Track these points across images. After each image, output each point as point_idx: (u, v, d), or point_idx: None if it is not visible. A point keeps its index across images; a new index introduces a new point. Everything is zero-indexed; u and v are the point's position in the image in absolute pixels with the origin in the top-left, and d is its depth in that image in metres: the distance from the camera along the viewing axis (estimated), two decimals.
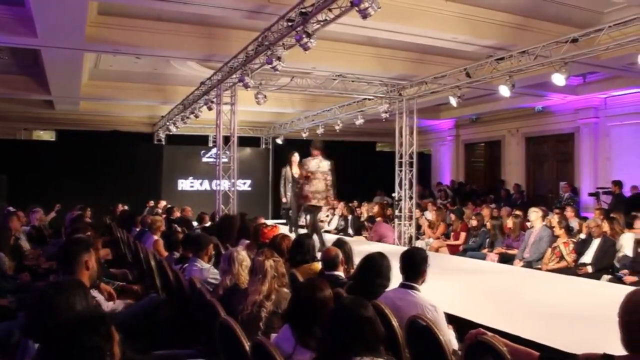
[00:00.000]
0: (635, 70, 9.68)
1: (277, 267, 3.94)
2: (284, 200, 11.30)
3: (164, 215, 11.78)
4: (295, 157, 10.93)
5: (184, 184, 18.85)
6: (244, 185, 18.79)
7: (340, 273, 4.77)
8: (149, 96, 15.49)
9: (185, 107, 14.22)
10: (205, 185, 18.72)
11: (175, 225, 10.33)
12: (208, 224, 11.17)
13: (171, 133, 17.48)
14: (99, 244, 6.83)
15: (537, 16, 9.69)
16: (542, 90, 13.26)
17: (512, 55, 9.41)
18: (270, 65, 8.63)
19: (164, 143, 19.13)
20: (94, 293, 4.59)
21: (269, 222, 14.67)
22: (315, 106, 16.42)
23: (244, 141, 17.02)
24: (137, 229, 9.76)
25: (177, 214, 12.77)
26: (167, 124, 16.86)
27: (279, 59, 8.48)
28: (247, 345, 3.09)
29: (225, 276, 4.46)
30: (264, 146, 20.83)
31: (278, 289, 3.87)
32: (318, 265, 5.28)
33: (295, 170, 10.67)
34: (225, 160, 11.87)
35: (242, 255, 4.51)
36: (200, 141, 19.31)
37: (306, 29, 7.36)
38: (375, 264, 4.28)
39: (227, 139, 11.74)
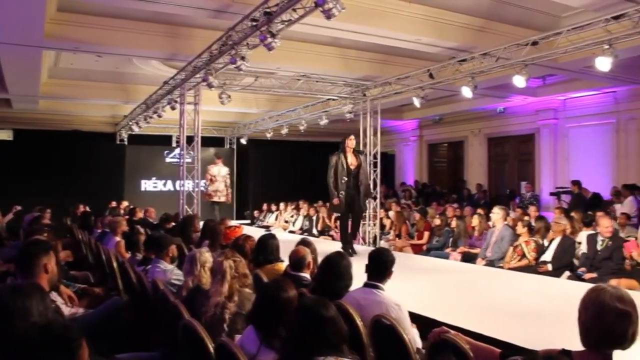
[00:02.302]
0: (592, 73, 9.92)
1: (238, 268, 3.90)
2: (335, 201, 8.95)
3: (127, 216, 11.61)
4: (352, 142, 9.33)
5: (147, 185, 18.63)
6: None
7: (305, 274, 4.76)
8: (111, 95, 15.23)
9: (148, 106, 14.04)
10: (169, 186, 18.55)
11: (138, 227, 10.18)
12: (172, 224, 11.03)
13: (134, 133, 17.22)
14: (59, 246, 6.69)
15: (499, 19, 9.86)
16: (503, 91, 13.49)
17: (474, 57, 9.55)
18: (234, 65, 8.61)
19: (126, 143, 18.88)
20: (54, 296, 4.49)
21: (233, 222, 14.70)
22: (279, 106, 16.40)
23: (207, 141, 16.90)
24: (99, 231, 9.60)
25: (140, 214, 12.60)
26: (130, 123, 16.65)
27: (243, 58, 8.45)
28: (210, 347, 3.07)
29: (188, 277, 4.42)
30: (228, 146, 20.73)
31: (240, 290, 3.83)
32: (282, 266, 5.27)
33: (351, 160, 9.09)
34: (189, 160, 11.76)
35: (205, 257, 4.47)
36: (164, 141, 19.12)
37: (270, 29, 7.35)
38: (334, 265, 4.26)
39: (190, 139, 11.63)
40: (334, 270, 4.22)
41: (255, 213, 18.30)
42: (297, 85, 12.37)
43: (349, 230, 9.39)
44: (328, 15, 6.34)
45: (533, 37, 8.58)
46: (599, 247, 7.77)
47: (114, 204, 15.02)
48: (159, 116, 13.63)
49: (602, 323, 2.35)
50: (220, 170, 13.45)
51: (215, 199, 13.05)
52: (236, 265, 3.89)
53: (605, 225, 7.86)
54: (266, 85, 12.26)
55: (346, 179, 8.90)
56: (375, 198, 11.88)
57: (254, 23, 7.67)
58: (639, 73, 12.07)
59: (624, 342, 2.35)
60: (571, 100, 14.79)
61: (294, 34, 9.32)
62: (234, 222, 15.10)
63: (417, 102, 11.37)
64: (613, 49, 7.56)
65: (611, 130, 14.02)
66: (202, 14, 8.70)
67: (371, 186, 9.16)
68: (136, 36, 10.05)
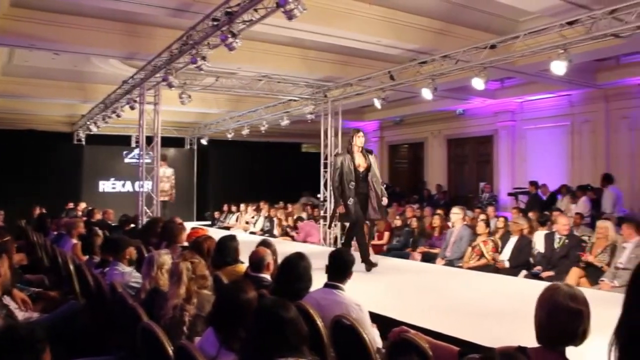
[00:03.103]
0: (548, 76, 10.13)
1: (196, 269, 3.86)
2: (340, 209, 7.76)
3: (85, 218, 11.39)
4: (361, 139, 7.92)
5: (106, 185, 18.27)
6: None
7: (265, 275, 4.74)
8: (68, 94, 14.89)
9: (106, 106, 13.80)
10: (128, 187, 18.24)
11: (96, 228, 10.00)
12: (131, 226, 10.87)
13: (92, 133, 16.88)
14: (13, 249, 6.52)
15: (458, 22, 10.00)
16: (462, 93, 13.69)
17: (434, 59, 9.66)
18: (194, 65, 8.53)
19: (84, 143, 18.47)
20: (6, 301, 4.39)
21: (194, 224, 14.61)
22: (240, 107, 16.30)
23: (167, 141, 16.71)
24: (55, 233, 9.39)
25: (98, 216, 12.39)
26: (88, 123, 16.33)
27: (203, 58, 8.39)
28: (170, 350, 3.03)
29: (146, 280, 4.37)
30: (188, 147, 20.52)
31: (199, 292, 3.79)
32: (243, 267, 5.24)
33: (360, 161, 7.82)
34: (149, 161, 11.60)
35: (164, 258, 4.42)
36: (123, 141, 18.77)
37: (231, 29, 7.32)
38: (293, 267, 4.23)
39: (150, 139, 11.47)
40: (293, 272, 4.20)
41: (216, 214, 18.16)
42: (258, 86, 12.34)
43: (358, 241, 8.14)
44: (289, 15, 6.35)
45: (491, 40, 8.72)
46: (556, 246, 7.98)
47: (71, 205, 14.74)
48: (118, 116, 13.42)
49: (555, 321, 2.44)
50: (165, 172, 14.07)
51: (161, 198, 13.25)
52: (194, 266, 3.85)
53: (562, 223, 8.09)
54: (227, 86, 12.21)
55: (355, 183, 7.69)
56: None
57: (215, 23, 7.63)
58: (593, 77, 12.44)
59: (576, 339, 2.44)
60: (528, 102, 15.11)
61: (255, 34, 9.28)
62: (194, 224, 15.07)
63: (377, 104, 11.44)
64: (567, 54, 7.75)
65: (566, 132, 14.36)
66: (162, 12, 8.61)
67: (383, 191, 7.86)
68: (95, 34, 9.86)
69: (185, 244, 7.00)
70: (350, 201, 7.63)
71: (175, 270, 3.82)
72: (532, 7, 8.85)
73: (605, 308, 2.42)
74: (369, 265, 7.72)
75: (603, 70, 12.35)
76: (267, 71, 11.96)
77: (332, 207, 8.13)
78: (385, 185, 20.26)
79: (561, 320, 2.43)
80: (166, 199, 13.93)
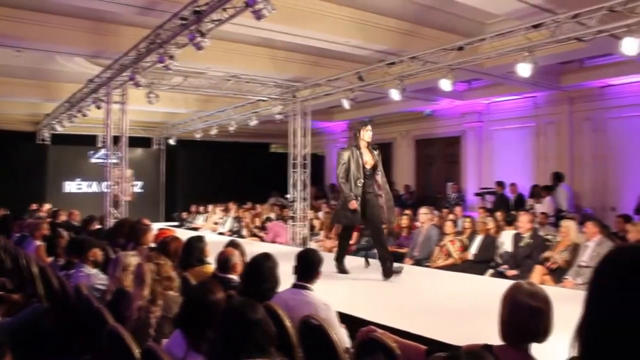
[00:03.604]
0: (514, 78, 10.28)
1: (161, 270, 3.83)
2: (352, 204, 7.11)
3: (49, 219, 11.18)
4: (369, 132, 7.42)
5: (71, 186, 17.96)
6: (134, 187, 18.18)
7: (233, 276, 4.72)
8: (32, 93, 14.58)
9: (72, 105, 13.57)
10: (94, 187, 17.96)
11: (60, 230, 9.82)
12: (97, 227, 10.70)
13: (57, 132, 16.60)
14: None
15: (426, 24, 10.08)
16: (430, 94, 13.81)
17: (403, 61, 9.72)
18: (162, 64, 8.44)
19: (49, 143, 18.12)
20: None
21: (162, 225, 14.45)
22: (209, 107, 16.18)
23: (135, 141, 16.45)
24: (18, 234, 9.19)
25: (63, 217, 12.17)
26: (52, 122, 16.03)
27: (171, 57, 8.32)
28: (136, 352, 3.00)
29: (112, 281, 4.31)
30: (156, 147, 20.29)
31: (164, 293, 3.76)
32: (211, 268, 5.21)
33: (368, 157, 7.33)
34: (115, 161, 11.44)
35: (129, 260, 4.37)
36: (89, 141, 18.41)
37: (200, 28, 7.27)
38: (258, 267, 4.22)
39: (117, 139, 11.31)
40: (259, 272, 4.19)
41: (184, 215, 18.02)
42: (227, 86, 12.27)
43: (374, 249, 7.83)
44: (258, 15, 6.34)
45: (459, 42, 8.81)
46: (521, 245, 8.11)
47: (34, 206, 14.45)
48: (84, 115, 13.22)
49: (516, 319, 2.51)
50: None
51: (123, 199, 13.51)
52: (159, 268, 3.82)
53: (524, 221, 8.24)
54: (195, 85, 12.11)
55: (363, 181, 7.19)
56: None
57: (183, 22, 7.57)
58: (557, 79, 12.67)
59: (538, 337, 2.50)
60: (495, 104, 15.31)
61: (224, 33, 9.22)
62: (162, 225, 14.91)
63: (346, 104, 11.46)
64: (533, 56, 7.87)
65: (531, 133, 14.59)
66: (129, 10, 8.49)
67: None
68: (59, 31, 9.66)
69: (153, 245, 6.93)
70: (357, 200, 7.12)
71: (139, 272, 3.79)
72: (498, 9, 8.96)
73: (568, 305, 2.46)
74: (390, 272, 7.17)
75: (567, 72, 12.60)
76: (236, 71, 11.90)
77: (339, 204, 7.46)
78: None
79: (522, 318, 2.49)
80: (127, 198, 13.83)
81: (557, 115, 14.03)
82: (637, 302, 1.01)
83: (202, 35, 7.29)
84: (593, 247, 7.07)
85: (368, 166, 7.24)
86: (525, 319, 2.48)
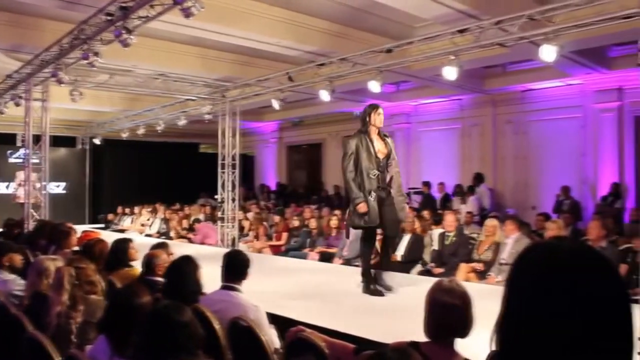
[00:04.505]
0: (441, 81, 10.55)
1: (81, 274, 3.70)
2: (362, 207, 5.90)
3: None
4: (380, 116, 6.33)
5: None
6: (58, 188, 17.57)
7: (160, 278, 4.62)
8: None
9: None
10: (13, 189, 17.16)
11: None
12: (17, 231, 10.24)
13: None
14: None
15: (356, 26, 10.21)
16: (359, 96, 13.97)
17: (332, 62, 9.78)
18: (86, 61, 8.18)
19: None
20: None
21: (86, 227, 13.98)
22: (136, 105, 15.79)
23: (57, 141, 15.92)
24: None
25: None
26: None
27: (96, 54, 8.07)
28: None
29: (31, 287, 4.13)
30: (80, 146, 19.62)
31: (86, 297, 3.64)
32: (138, 270, 5.09)
33: (380, 145, 6.23)
34: (36, 161, 11.00)
35: (47, 264, 4.20)
36: (7, 140, 17.65)
37: (126, 25, 7.09)
38: (178, 271, 4.16)
39: (38, 138, 10.88)
40: (179, 275, 4.12)
41: (110, 216, 17.51)
42: (155, 84, 12.01)
43: (379, 252, 6.99)
44: (187, 13, 6.26)
45: (388, 45, 8.95)
46: (446, 243, 8.33)
47: None
48: (1, 112, 12.63)
49: (434, 316, 2.60)
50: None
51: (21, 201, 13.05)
52: (80, 272, 3.69)
53: (449, 220, 8.48)
54: (122, 83, 11.80)
55: (377, 172, 6.05)
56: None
57: (109, 17, 7.34)
58: (481, 83, 13.12)
59: (458, 332, 2.57)
60: (422, 105, 15.67)
61: (152, 31, 9.03)
62: (87, 227, 14.43)
63: (276, 105, 11.42)
64: (458, 60, 8.08)
65: (457, 135, 15.03)
66: (50, 3, 8.22)
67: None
68: None
69: (76, 248, 6.70)
70: (372, 196, 5.94)
71: (57, 276, 3.64)
72: (425, 14, 9.17)
73: (491, 301, 2.54)
74: (373, 281, 6.34)
75: (490, 77, 13.07)
76: (165, 69, 11.68)
77: (351, 206, 6.14)
78: (282, 186, 20.30)
79: (440, 315, 2.58)
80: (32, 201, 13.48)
81: (481, 118, 14.50)
82: (550, 297, 1.05)
83: (129, 32, 7.11)
84: (512, 244, 7.35)
85: (381, 155, 6.14)
86: (443, 315, 2.57)
